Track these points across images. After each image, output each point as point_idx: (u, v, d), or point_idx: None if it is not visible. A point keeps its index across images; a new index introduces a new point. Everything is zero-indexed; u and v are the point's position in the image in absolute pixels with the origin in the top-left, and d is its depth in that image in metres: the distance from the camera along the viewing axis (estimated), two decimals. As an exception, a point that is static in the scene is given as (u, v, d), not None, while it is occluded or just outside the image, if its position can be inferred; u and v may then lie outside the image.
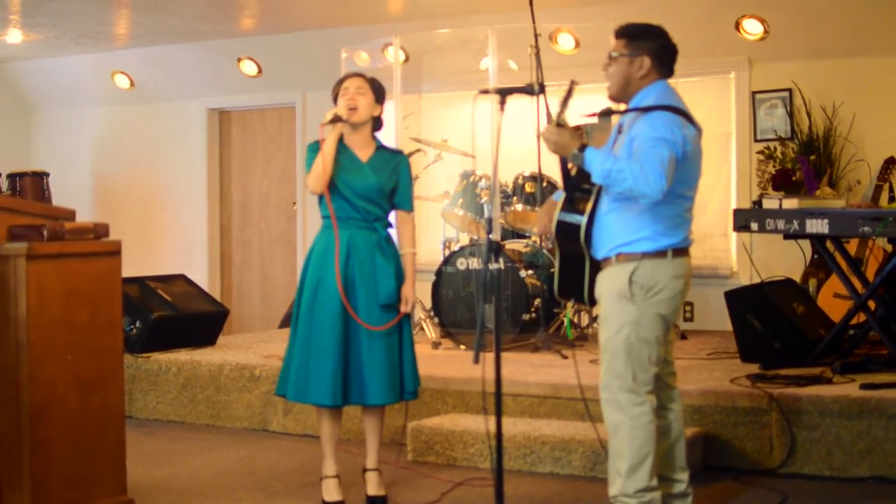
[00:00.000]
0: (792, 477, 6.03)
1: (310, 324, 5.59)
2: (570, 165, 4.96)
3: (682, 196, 4.89)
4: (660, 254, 4.86)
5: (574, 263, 5.00)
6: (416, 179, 9.34)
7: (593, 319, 8.37)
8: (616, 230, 4.85)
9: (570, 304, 5.18)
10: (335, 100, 5.71)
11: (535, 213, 8.21)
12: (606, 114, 8.08)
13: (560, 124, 4.82)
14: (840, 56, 9.12)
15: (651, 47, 4.92)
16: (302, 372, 5.58)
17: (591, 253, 4.97)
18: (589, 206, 4.91)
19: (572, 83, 4.86)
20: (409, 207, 5.81)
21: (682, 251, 4.96)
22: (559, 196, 5.14)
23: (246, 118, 12.43)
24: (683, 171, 4.80)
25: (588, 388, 5.38)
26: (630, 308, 4.82)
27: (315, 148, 5.64)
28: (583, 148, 4.71)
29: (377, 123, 5.80)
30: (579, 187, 4.90)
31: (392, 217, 5.80)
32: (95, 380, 5.10)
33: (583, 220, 4.91)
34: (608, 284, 4.89)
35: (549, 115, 4.87)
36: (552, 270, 8.08)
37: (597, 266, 4.98)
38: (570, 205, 4.98)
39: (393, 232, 5.81)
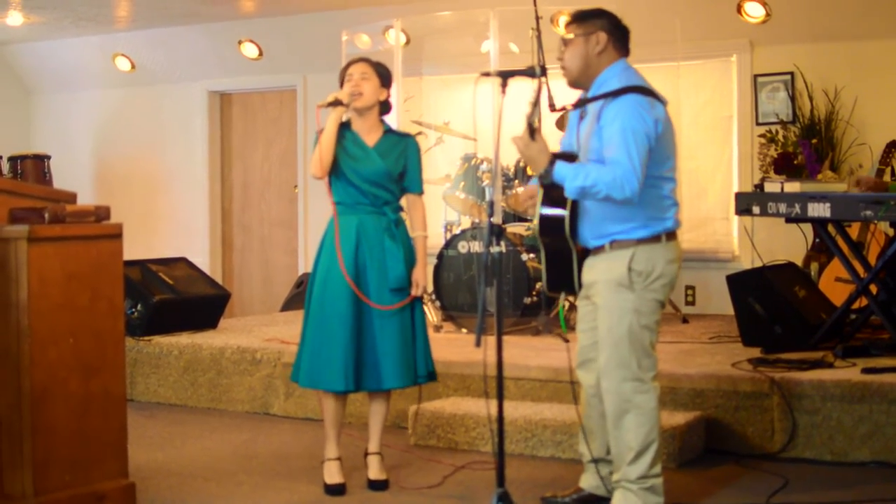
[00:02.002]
0: (793, 461, 6.04)
1: (322, 310, 5.59)
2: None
3: (662, 178, 4.85)
4: (654, 239, 4.85)
5: (561, 256, 4.95)
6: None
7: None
8: (607, 218, 4.83)
9: (561, 297, 5.05)
10: (342, 85, 5.69)
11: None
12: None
13: (533, 130, 4.75)
14: (842, 39, 9.10)
15: (604, 24, 4.93)
16: (315, 358, 5.58)
17: (579, 243, 4.94)
18: (569, 198, 4.86)
19: (540, 83, 4.83)
20: (418, 190, 5.81)
21: (673, 235, 4.93)
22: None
23: (247, 101, 12.41)
24: (658, 153, 4.78)
25: (560, 370, 5.37)
26: (630, 296, 4.81)
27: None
28: (552, 163, 4.69)
29: (385, 107, 5.78)
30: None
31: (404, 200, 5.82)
32: (97, 363, 5.09)
33: (566, 212, 4.86)
34: (604, 273, 4.87)
35: (530, 121, 4.81)
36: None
37: (582, 254, 4.97)
38: (550, 198, 4.90)
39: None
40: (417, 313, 5.73)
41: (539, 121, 7.85)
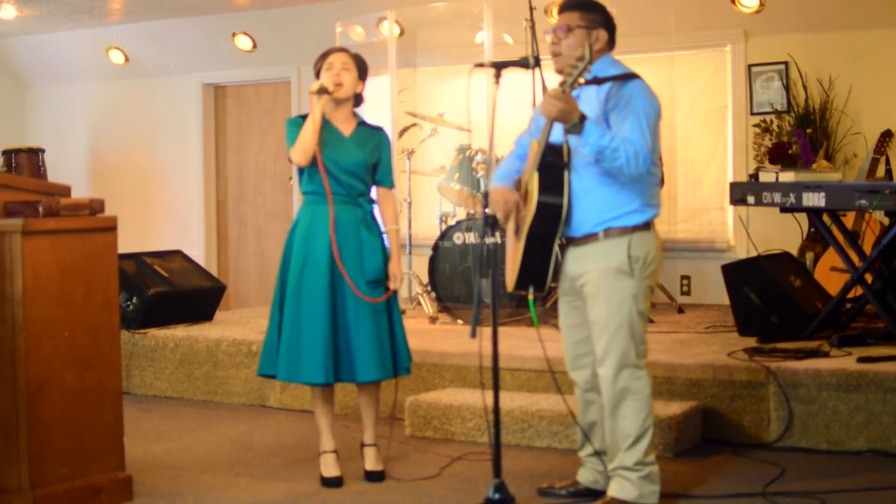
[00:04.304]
0: (789, 450, 6.04)
1: (298, 301, 5.56)
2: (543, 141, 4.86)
3: (655, 164, 4.88)
4: (647, 226, 4.90)
5: (541, 248, 4.87)
6: (412, 154, 9.39)
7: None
8: (603, 205, 4.84)
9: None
10: (317, 74, 5.69)
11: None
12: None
13: (564, 87, 4.67)
14: (836, 28, 9.09)
15: (603, 21, 4.97)
16: (293, 351, 5.55)
17: (567, 232, 4.91)
18: (566, 185, 4.83)
19: (588, 52, 4.75)
20: (390, 184, 5.80)
21: (654, 222, 4.99)
22: (504, 178, 5.09)
23: (241, 93, 12.39)
24: (656, 141, 4.83)
25: (554, 360, 5.36)
26: (629, 282, 4.82)
27: (296, 122, 5.64)
28: (583, 119, 4.65)
29: (357, 99, 5.79)
30: (552, 165, 4.82)
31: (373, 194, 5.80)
32: (92, 356, 5.10)
33: (563, 200, 4.82)
34: (600, 262, 4.86)
35: (546, 85, 4.77)
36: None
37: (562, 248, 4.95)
38: (547, 185, 4.83)
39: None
40: (394, 307, 5.72)
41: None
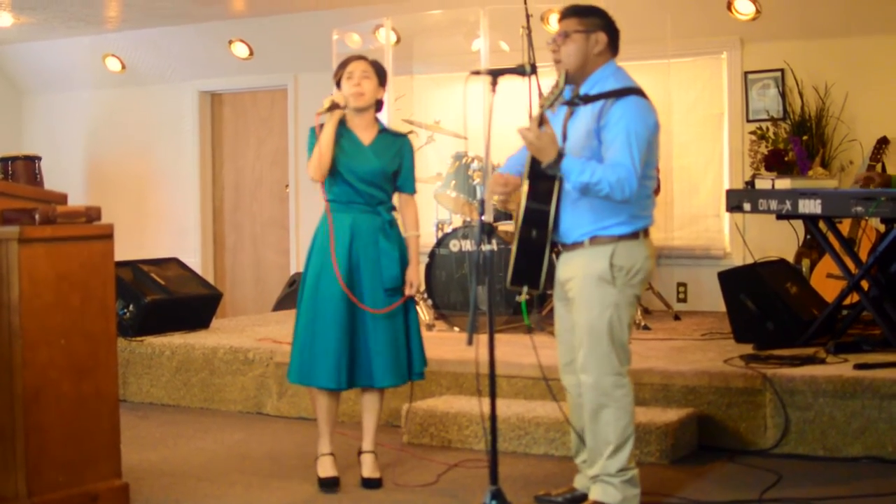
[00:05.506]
0: (786, 457, 6.04)
1: (314, 307, 5.59)
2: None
3: (648, 177, 4.89)
4: (634, 235, 4.89)
5: (532, 250, 4.90)
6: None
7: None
8: (591, 214, 4.85)
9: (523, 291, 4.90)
10: (338, 83, 5.69)
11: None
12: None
13: (542, 121, 4.71)
14: (832, 36, 9.12)
15: (603, 24, 4.95)
16: (306, 355, 5.58)
17: (556, 238, 4.94)
18: (555, 193, 4.85)
19: (566, 80, 4.76)
20: (411, 190, 5.85)
21: (648, 231, 4.98)
22: (510, 170, 5.12)
23: (238, 100, 12.40)
24: (650, 154, 4.82)
25: (548, 368, 5.38)
26: (611, 291, 4.83)
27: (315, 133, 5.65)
28: (561, 154, 4.66)
29: (378, 105, 5.80)
30: (543, 174, 4.81)
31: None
32: (89, 364, 5.09)
33: (551, 208, 4.85)
34: (583, 268, 4.88)
35: (539, 111, 4.76)
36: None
37: (553, 252, 4.98)
38: (536, 193, 4.87)
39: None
40: (411, 312, 5.75)
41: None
